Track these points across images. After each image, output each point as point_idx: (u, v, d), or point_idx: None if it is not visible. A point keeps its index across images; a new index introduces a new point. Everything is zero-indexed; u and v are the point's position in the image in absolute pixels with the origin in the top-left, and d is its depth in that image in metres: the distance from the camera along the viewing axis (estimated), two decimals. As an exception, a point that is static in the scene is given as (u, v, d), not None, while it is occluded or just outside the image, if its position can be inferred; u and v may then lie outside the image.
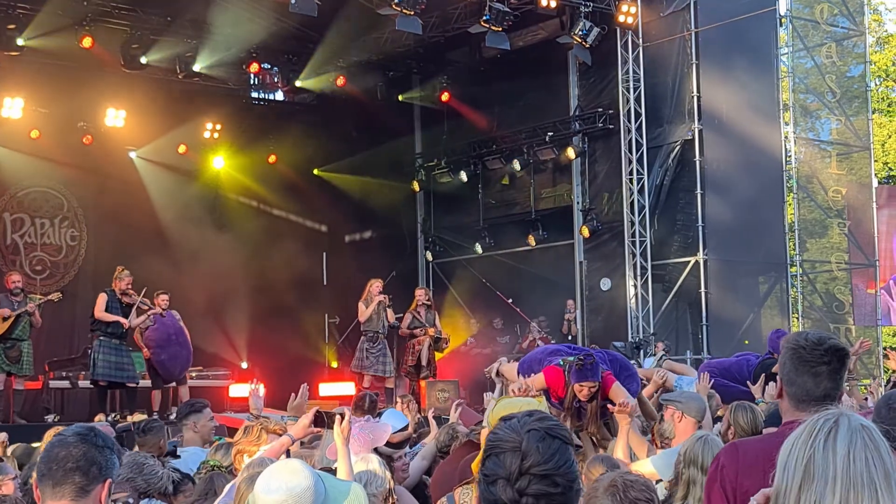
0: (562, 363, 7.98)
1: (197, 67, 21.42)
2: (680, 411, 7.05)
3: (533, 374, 8.12)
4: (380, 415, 7.68)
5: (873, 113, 28.50)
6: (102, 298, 16.22)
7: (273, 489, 3.71)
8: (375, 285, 18.11)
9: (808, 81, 24.18)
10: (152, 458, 6.42)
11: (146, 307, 16.64)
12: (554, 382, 7.98)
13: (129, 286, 16.38)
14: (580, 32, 20.20)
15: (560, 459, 2.57)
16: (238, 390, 19.87)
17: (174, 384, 17.53)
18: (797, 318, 22.88)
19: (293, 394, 7.28)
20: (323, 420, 5.80)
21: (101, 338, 16.20)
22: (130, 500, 5.81)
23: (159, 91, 21.65)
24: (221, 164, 23.12)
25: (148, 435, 8.16)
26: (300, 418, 6.07)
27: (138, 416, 14.89)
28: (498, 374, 9.70)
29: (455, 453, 7.24)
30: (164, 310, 17.00)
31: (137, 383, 17.07)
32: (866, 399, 10.54)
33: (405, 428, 7.39)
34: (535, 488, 2.54)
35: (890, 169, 49.45)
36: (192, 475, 6.79)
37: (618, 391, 7.70)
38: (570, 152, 21.52)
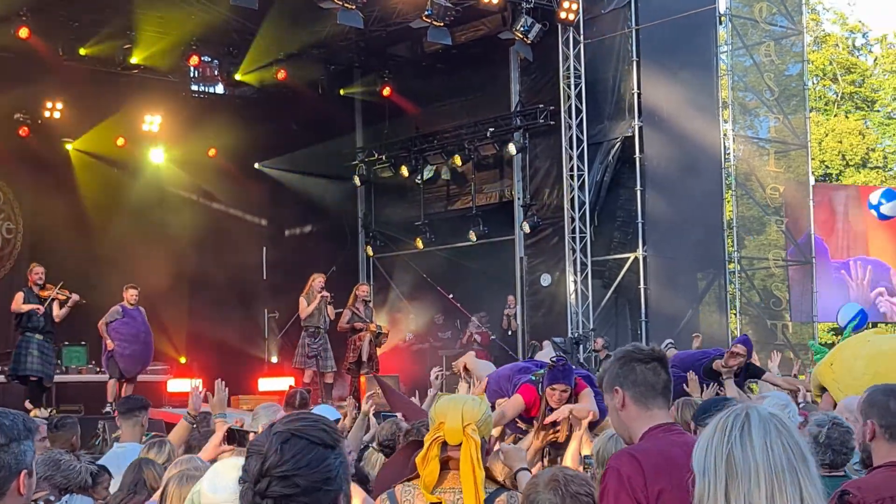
0: (534, 378, 7.84)
1: (135, 59, 21.22)
2: None
3: (505, 396, 8.01)
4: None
5: (811, 111, 28.80)
6: (19, 296, 16.57)
7: (220, 488, 3.62)
8: (318, 280, 18.05)
9: (746, 79, 24.40)
10: (67, 454, 6.36)
11: (63, 297, 16.79)
12: (531, 401, 7.81)
13: (41, 278, 16.63)
14: (522, 28, 20.22)
15: (301, 460, 2.54)
16: (177, 385, 19.73)
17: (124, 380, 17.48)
18: (735, 315, 23.07)
19: (209, 392, 7.15)
20: (234, 438, 5.71)
21: (26, 334, 16.49)
22: (52, 498, 5.74)
23: (97, 83, 21.40)
24: (160, 157, 22.90)
25: (60, 431, 8.10)
26: (210, 438, 6.01)
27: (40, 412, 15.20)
28: (465, 368, 9.67)
29: (401, 451, 7.20)
30: (132, 305, 17.25)
31: (52, 382, 17.32)
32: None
33: (336, 422, 7.36)
34: (275, 489, 2.51)
35: (826, 167, 50.03)
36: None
37: (586, 396, 7.63)
38: (512, 148, 21.55)
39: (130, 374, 17.41)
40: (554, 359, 7.78)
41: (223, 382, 7.15)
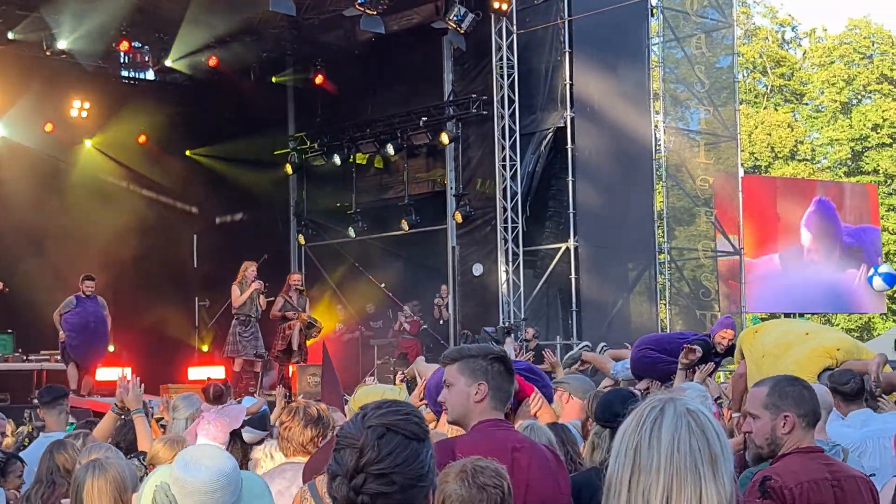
0: None
1: (64, 44, 20.95)
2: (567, 392, 7.20)
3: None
4: (239, 401, 7.60)
5: (740, 104, 29.11)
6: None
7: (197, 469, 3.43)
8: (251, 269, 17.95)
9: (678, 72, 24.60)
10: None
11: None
12: None
13: None
14: (455, 18, 20.23)
15: (398, 457, 2.51)
16: (105, 374, 19.51)
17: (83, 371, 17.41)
18: (665, 305, 23.28)
19: (120, 388, 7.05)
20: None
21: None
22: None
23: (26, 68, 21.12)
24: (89, 143, 22.66)
25: None
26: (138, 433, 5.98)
27: None
28: (416, 375, 9.61)
29: (327, 444, 7.18)
30: (87, 295, 17.08)
31: None
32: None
33: (263, 412, 7.35)
34: (371, 487, 2.49)
35: (756, 159, 50.58)
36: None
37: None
38: (444, 138, 21.55)
39: (84, 364, 17.34)
40: None
41: (137, 378, 7.07)
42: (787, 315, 24.34)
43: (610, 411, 6.00)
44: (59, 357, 18.31)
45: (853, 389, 7.38)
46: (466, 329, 20.04)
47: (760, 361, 8.96)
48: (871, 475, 6.05)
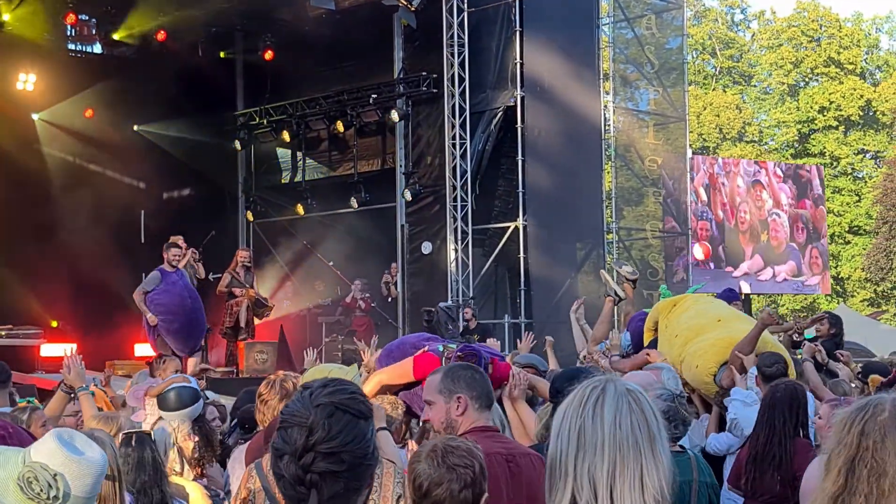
0: (441, 349, 6.69)
1: (8, 17, 20.65)
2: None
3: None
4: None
5: (689, 85, 29.26)
6: None
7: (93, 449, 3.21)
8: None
9: (628, 52, 24.69)
10: None
11: None
12: (425, 373, 6.20)
13: None
14: (406, -5, 20.17)
15: (347, 435, 2.53)
16: (50, 350, 19.35)
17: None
18: (612, 284, 23.36)
19: (65, 366, 6.98)
20: None
21: None
22: None
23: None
24: (35, 116, 22.41)
25: None
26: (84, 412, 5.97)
27: None
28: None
29: (271, 424, 7.14)
30: (174, 267, 15.16)
31: None
32: None
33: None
34: (321, 465, 2.50)
35: (704, 140, 50.91)
36: None
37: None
38: (394, 115, 21.52)
39: (186, 349, 14.92)
40: (463, 355, 6.48)
41: (79, 356, 7.00)
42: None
43: (553, 387, 6.08)
44: (2, 333, 18.08)
45: (775, 373, 7.69)
46: (428, 307, 19.92)
47: (672, 341, 9.12)
48: None
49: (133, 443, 5.12)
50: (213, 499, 6.12)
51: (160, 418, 6.69)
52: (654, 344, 9.49)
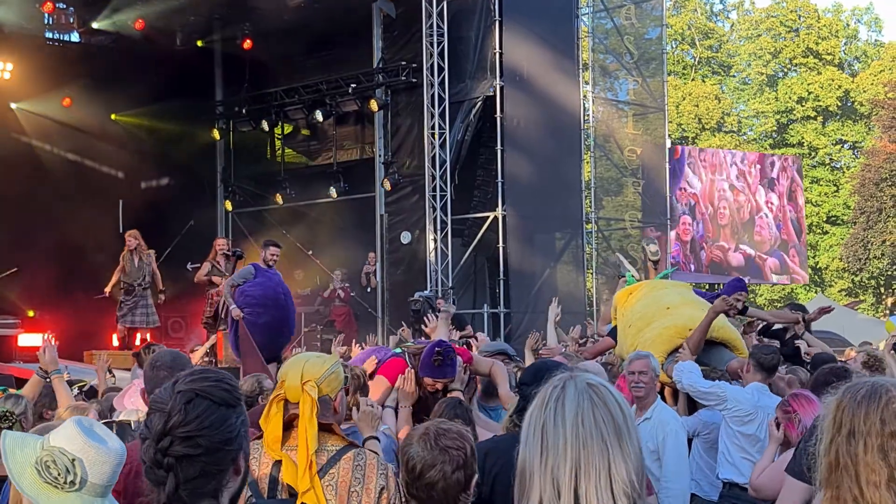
0: (400, 351, 6.92)
1: (-14, 5, 20.58)
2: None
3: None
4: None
5: (668, 75, 29.29)
6: None
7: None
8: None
9: (607, 42, 24.73)
10: None
11: None
12: (395, 377, 6.68)
13: None
14: (385, -16, 20.15)
15: (205, 421, 2.61)
16: (27, 339, 19.27)
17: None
18: (591, 274, 23.44)
19: (41, 349, 7.04)
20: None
21: None
22: None
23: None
24: (13, 105, 22.30)
25: None
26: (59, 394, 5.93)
27: None
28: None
29: (256, 411, 7.13)
30: (269, 266, 14.22)
31: None
32: None
33: None
34: (177, 449, 2.58)
35: (683, 130, 51.01)
36: None
37: (479, 361, 7.31)
38: (373, 105, 21.49)
39: (268, 354, 13.07)
40: (440, 352, 6.55)
41: (52, 339, 7.07)
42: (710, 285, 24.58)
43: (520, 381, 6.09)
44: None
45: (770, 363, 7.84)
46: (419, 295, 19.83)
47: (626, 331, 9.30)
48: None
49: (114, 432, 5.11)
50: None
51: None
52: (614, 332, 9.85)
